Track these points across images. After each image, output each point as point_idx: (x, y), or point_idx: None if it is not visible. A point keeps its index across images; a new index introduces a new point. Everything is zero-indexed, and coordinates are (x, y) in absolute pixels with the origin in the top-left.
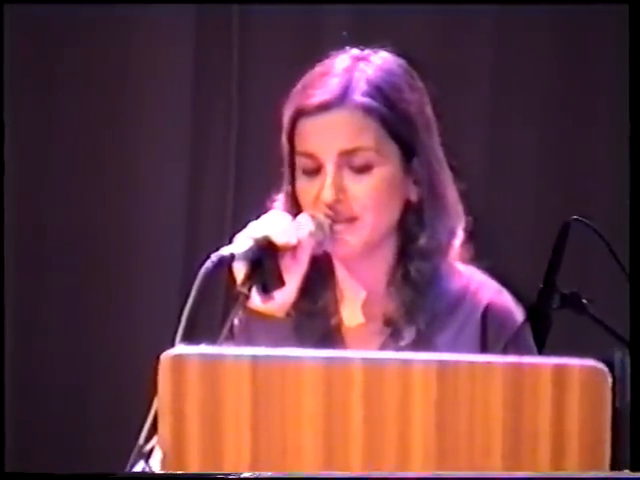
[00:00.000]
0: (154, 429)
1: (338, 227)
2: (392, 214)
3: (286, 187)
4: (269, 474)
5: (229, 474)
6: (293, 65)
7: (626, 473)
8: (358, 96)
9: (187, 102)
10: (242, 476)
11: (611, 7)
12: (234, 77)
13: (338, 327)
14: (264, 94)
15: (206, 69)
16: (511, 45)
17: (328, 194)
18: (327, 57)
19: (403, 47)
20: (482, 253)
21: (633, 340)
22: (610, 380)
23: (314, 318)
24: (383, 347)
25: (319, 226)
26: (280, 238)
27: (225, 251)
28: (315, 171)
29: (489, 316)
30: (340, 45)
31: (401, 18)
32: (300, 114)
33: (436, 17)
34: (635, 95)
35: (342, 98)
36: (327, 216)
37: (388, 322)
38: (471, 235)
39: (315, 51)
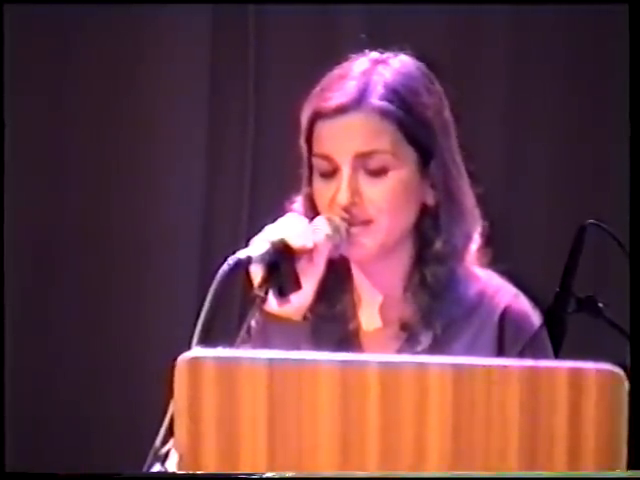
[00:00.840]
0: (170, 432)
1: (354, 230)
2: (408, 217)
3: (304, 189)
4: (290, 474)
5: (239, 474)
6: (309, 65)
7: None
8: (375, 99)
9: (203, 104)
10: (253, 477)
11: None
12: (250, 78)
13: (356, 331)
14: (280, 95)
15: (222, 70)
16: (527, 47)
17: (344, 197)
18: (346, 60)
19: (420, 49)
20: (499, 257)
21: (633, 341)
22: (626, 384)
23: (332, 322)
24: (400, 352)
25: (335, 229)
26: (296, 241)
27: (242, 254)
28: (331, 173)
29: (506, 320)
30: (357, 46)
31: (417, 18)
32: (317, 116)
33: (451, 19)
34: (635, 95)
35: (359, 101)
36: (343, 219)
37: (405, 327)
38: (488, 239)
39: (331, 51)
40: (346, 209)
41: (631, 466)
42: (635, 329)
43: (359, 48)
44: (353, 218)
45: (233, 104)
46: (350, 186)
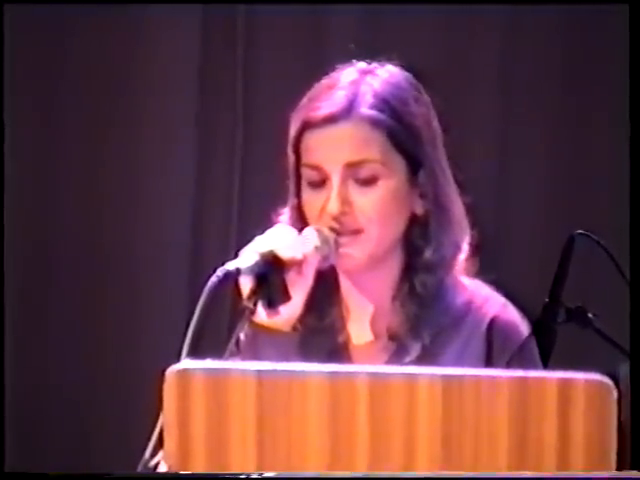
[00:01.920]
0: (160, 443)
1: (343, 240)
2: (397, 227)
3: (292, 200)
4: (274, 474)
5: (233, 474)
6: (299, 67)
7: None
8: (365, 109)
9: (191, 111)
10: (241, 477)
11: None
12: (239, 82)
13: (345, 344)
14: (269, 103)
15: (211, 75)
16: (517, 53)
17: (334, 206)
18: (333, 70)
19: (409, 55)
20: (487, 267)
21: (633, 348)
22: (615, 394)
23: (321, 334)
24: (389, 363)
25: (325, 240)
26: (286, 253)
27: (231, 266)
28: (320, 183)
29: (494, 330)
30: (346, 48)
31: (407, 22)
32: (306, 126)
33: (441, 23)
34: (635, 95)
35: (348, 111)
36: (332, 228)
37: (393, 337)
38: (476, 249)
39: (321, 52)
40: (336, 219)
41: (632, 466)
42: (635, 333)
43: (347, 57)
44: (343, 228)
45: (222, 114)
46: (340, 195)
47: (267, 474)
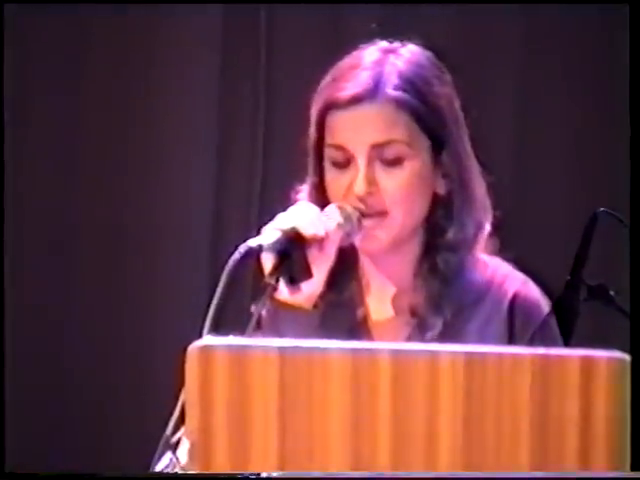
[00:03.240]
0: (181, 420)
1: (368, 222)
2: (421, 209)
3: (311, 178)
4: (274, 474)
5: (231, 474)
6: (320, 64)
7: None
8: (390, 89)
9: (214, 92)
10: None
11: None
12: (262, 65)
13: (365, 319)
14: (292, 87)
15: (233, 69)
16: (535, 37)
17: (361, 187)
18: (355, 49)
19: (428, 38)
20: (508, 245)
21: (633, 341)
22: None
23: (340, 309)
24: (410, 339)
25: (347, 218)
26: (308, 230)
27: (253, 242)
28: (345, 163)
29: (516, 307)
30: (367, 37)
31: (426, 10)
32: (331, 107)
33: (460, 9)
34: (635, 95)
35: (374, 91)
36: (358, 209)
37: (414, 313)
38: (497, 228)
39: (342, 50)
40: (362, 199)
41: (632, 466)
42: (635, 330)
43: (368, 37)
44: (369, 208)
45: (244, 95)
46: (367, 176)
47: (264, 474)
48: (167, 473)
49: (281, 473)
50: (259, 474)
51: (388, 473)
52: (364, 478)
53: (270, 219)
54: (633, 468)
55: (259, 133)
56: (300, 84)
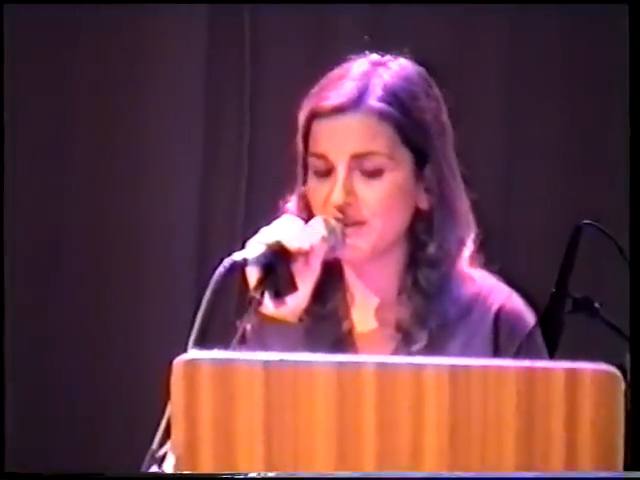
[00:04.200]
0: (167, 434)
1: (348, 231)
2: (401, 220)
3: (299, 188)
4: (272, 474)
5: (231, 474)
6: (305, 64)
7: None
8: (374, 101)
9: (199, 104)
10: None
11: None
12: (247, 76)
13: (350, 332)
14: (276, 95)
15: (218, 69)
16: (525, 49)
17: (338, 196)
18: (346, 61)
19: (417, 51)
20: (495, 257)
21: (633, 340)
22: (623, 384)
23: (325, 322)
24: (395, 352)
25: (331, 231)
26: (293, 243)
27: (237, 256)
28: (326, 173)
29: (501, 320)
30: (353, 46)
31: (414, 19)
32: (315, 116)
33: (448, 20)
34: (636, 96)
35: (358, 102)
36: (336, 219)
37: (400, 328)
38: (482, 243)
39: (327, 51)
40: (340, 209)
41: (631, 466)
42: (635, 329)
43: (359, 49)
44: (347, 218)
45: (229, 105)
46: (345, 186)
47: (263, 474)
48: (167, 473)
49: (276, 473)
50: (259, 474)
51: (373, 473)
52: (361, 478)
53: (254, 233)
54: (633, 468)
55: (244, 145)
56: (286, 88)
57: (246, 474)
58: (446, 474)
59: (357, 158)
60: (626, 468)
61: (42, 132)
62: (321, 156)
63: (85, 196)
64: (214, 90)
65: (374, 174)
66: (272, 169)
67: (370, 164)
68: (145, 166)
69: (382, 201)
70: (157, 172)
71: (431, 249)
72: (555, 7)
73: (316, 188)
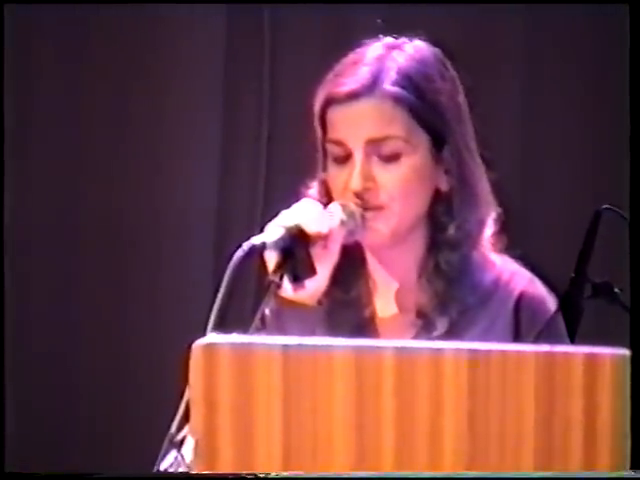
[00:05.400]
0: (186, 418)
1: (368, 215)
2: (421, 203)
3: (320, 173)
4: (273, 474)
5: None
6: (323, 64)
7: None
8: (388, 85)
9: (218, 89)
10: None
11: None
12: (265, 64)
13: (372, 318)
14: (295, 81)
15: (237, 69)
16: (542, 34)
17: (356, 182)
18: (360, 45)
19: (434, 34)
20: (514, 242)
21: (633, 340)
22: None
23: (347, 308)
24: (416, 338)
25: (350, 215)
26: (311, 227)
27: (256, 240)
28: (344, 159)
29: (522, 305)
30: (373, 33)
31: (433, 9)
32: (330, 102)
33: (468, 6)
34: (635, 95)
35: (372, 87)
36: (356, 205)
37: (420, 313)
38: (503, 225)
39: (346, 50)
40: (358, 195)
41: (631, 466)
42: (635, 328)
43: (374, 34)
44: (366, 204)
45: (248, 94)
46: (363, 172)
47: (261, 474)
48: (168, 473)
49: (276, 474)
50: (257, 475)
51: (390, 473)
52: (363, 478)
53: (274, 216)
54: (633, 467)
55: (263, 131)
56: (304, 81)
57: (255, 474)
58: (457, 474)
59: (374, 143)
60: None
61: (59, 131)
62: (338, 142)
63: (104, 184)
64: (233, 75)
65: (391, 158)
66: (291, 154)
67: (387, 149)
68: (164, 151)
69: (400, 185)
70: (175, 157)
71: (451, 230)
72: (555, 7)
73: (335, 174)
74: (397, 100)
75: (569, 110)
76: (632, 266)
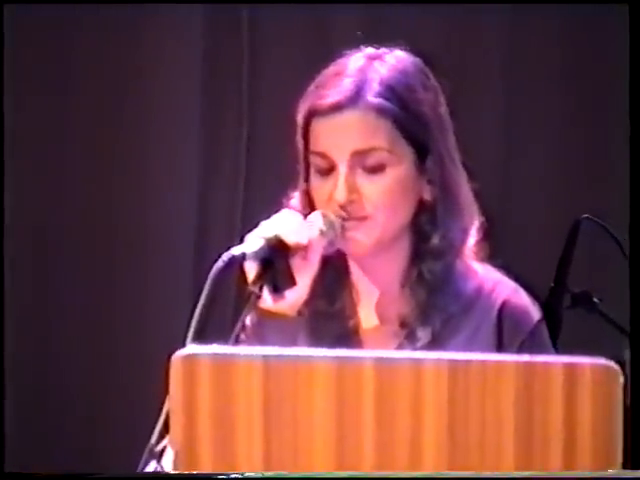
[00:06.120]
0: (166, 429)
1: (349, 224)
2: (405, 214)
3: (301, 185)
4: (260, 474)
5: (226, 474)
6: (303, 62)
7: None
8: (371, 97)
9: (197, 101)
10: (232, 476)
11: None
12: (244, 74)
13: (355, 329)
14: (274, 91)
15: (216, 68)
16: (525, 44)
17: (341, 194)
18: (342, 56)
19: (415, 43)
20: (496, 251)
21: (633, 339)
22: (621, 378)
23: (331, 319)
24: (400, 349)
25: (330, 225)
26: (291, 237)
27: (236, 251)
28: (328, 171)
29: (505, 315)
30: (352, 43)
31: (412, 14)
32: (313, 114)
33: (447, 13)
34: (635, 95)
35: (355, 99)
36: (340, 216)
37: (403, 324)
38: (485, 234)
39: (325, 48)
40: (343, 206)
41: (632, 466)
42: (635, 327)
43: (354, 44)
44: (350, 215)
45: (228, 103)
46: (347, 184)
47: (260, 474)
48: (167, 473)
49: (273, 473)
50: (256, 474)
51: (372, 473)
52: (357, 477)
53: (253, 227)
54: (633, 467)
55: (242, 141)
56: (284, 85)
57: (243, 474)
58: (445, 474)
59: (358, 155)
60: (625, 468)
61: (38, 132)
62: (322, 154)
63: (84, 197)
64: (212, 87)
65: (376, 170)
66: (271, 164)
67: (372, 160)
68: (143, 162)
69: (385, 196)
70: (156, 168)
71: (435, 240)
72: (555, 7)
73: (318, 186)
74: (381, 111)
75: (553, 117)
76: (632, 268)
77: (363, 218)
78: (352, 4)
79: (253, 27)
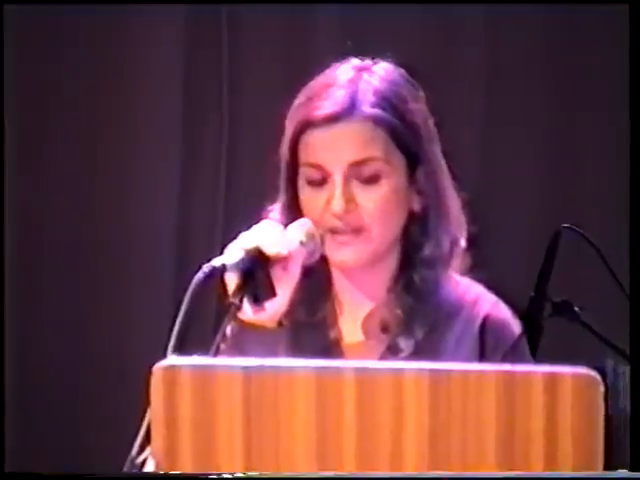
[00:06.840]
0: (147, 440)
1: (344, 238)
2: (398, 224)
3: (283, 197)
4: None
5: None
6: (284, 65)
7: (624, 472)
8: (367, 107)
9: (177, 106)
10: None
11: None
12: (225, 82)
13: (337, 340)
14: (255, 102)
15: (196, 75)
16: (507, 48)
17: (338, 205)
18: (328, 67)
19: (397, 52)
20: (476, 263)
21: (633, 344)
22: (602, 388)
23: (313, 330)
24: (382, 360)
25: (310, 236)
26: (271, 249)
27: (216, 262)
28: (321, 182)
29: (487, 328)
30: (335, 46)
31: (394, 20)
32: (307, 126)
33: (426, 19)
34: (635, 95)
35: (351, 110)
36: (335, 227)
37: (385, 330)
38: (470, 244)
39: (306, 50)
40: (339, 217)
41: (631, 467)
42: (635, 327)
43: (337, 48)
44: (346, 225)
45: (208, 112)
46: (344, 194)
47: (252, 474)
48: (166, 473)
49: (266, 473)
50: (246, 473)
51: (356, 474)
52: (349, 478)
53: (233, 239)
54: (633, 468)
55: (222, 153)
56: (264, 86)
57: (233, 473)
58: (429, 474)
59: (355, 166)
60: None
61: (23, 135)
62: (316, 166)
63: (65, 208)
64: (192, 91)
65: (371, 180)
66: (251, 176)
67: (368, 170)
68: (122, 169)
69: (381, 207)
70: (135, 177)
71: (427, 250)
72: (555, 7)
73: (311, 197)
74: (377, 122)
75: (539, 124)
76: (632, 270)
77: (359, 230)
78: (332, 5)
79: (232, 29)
